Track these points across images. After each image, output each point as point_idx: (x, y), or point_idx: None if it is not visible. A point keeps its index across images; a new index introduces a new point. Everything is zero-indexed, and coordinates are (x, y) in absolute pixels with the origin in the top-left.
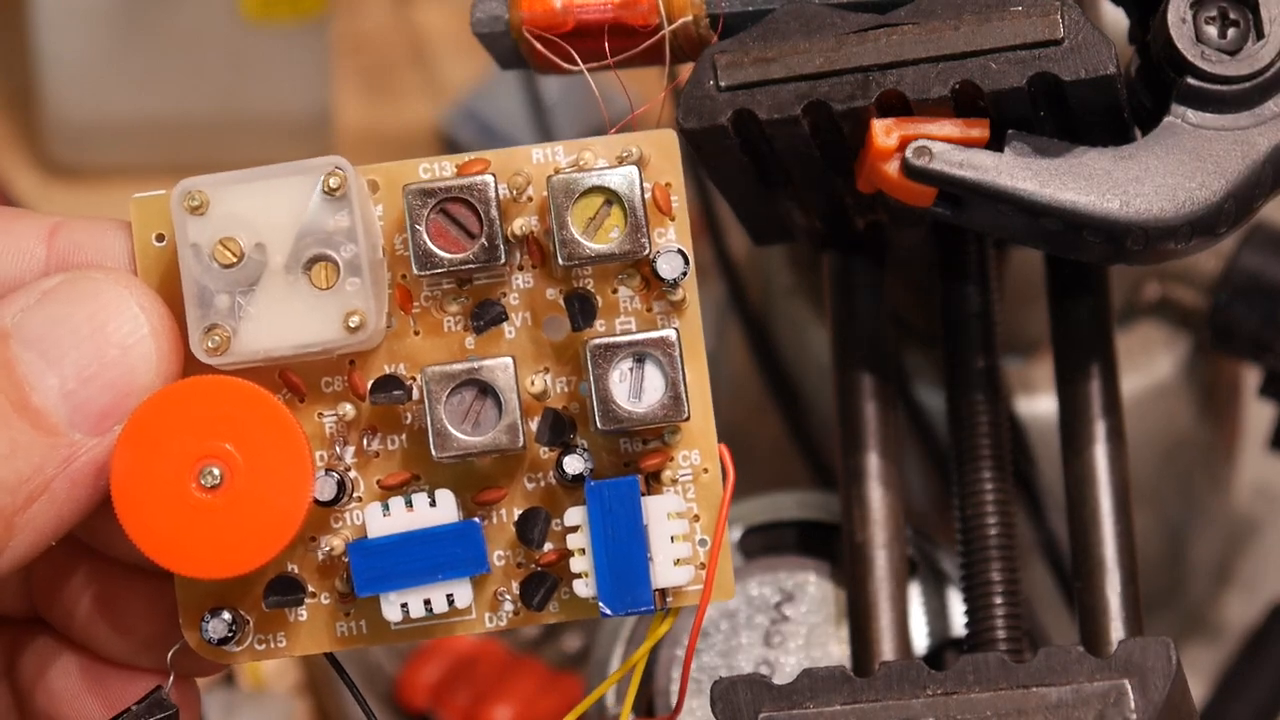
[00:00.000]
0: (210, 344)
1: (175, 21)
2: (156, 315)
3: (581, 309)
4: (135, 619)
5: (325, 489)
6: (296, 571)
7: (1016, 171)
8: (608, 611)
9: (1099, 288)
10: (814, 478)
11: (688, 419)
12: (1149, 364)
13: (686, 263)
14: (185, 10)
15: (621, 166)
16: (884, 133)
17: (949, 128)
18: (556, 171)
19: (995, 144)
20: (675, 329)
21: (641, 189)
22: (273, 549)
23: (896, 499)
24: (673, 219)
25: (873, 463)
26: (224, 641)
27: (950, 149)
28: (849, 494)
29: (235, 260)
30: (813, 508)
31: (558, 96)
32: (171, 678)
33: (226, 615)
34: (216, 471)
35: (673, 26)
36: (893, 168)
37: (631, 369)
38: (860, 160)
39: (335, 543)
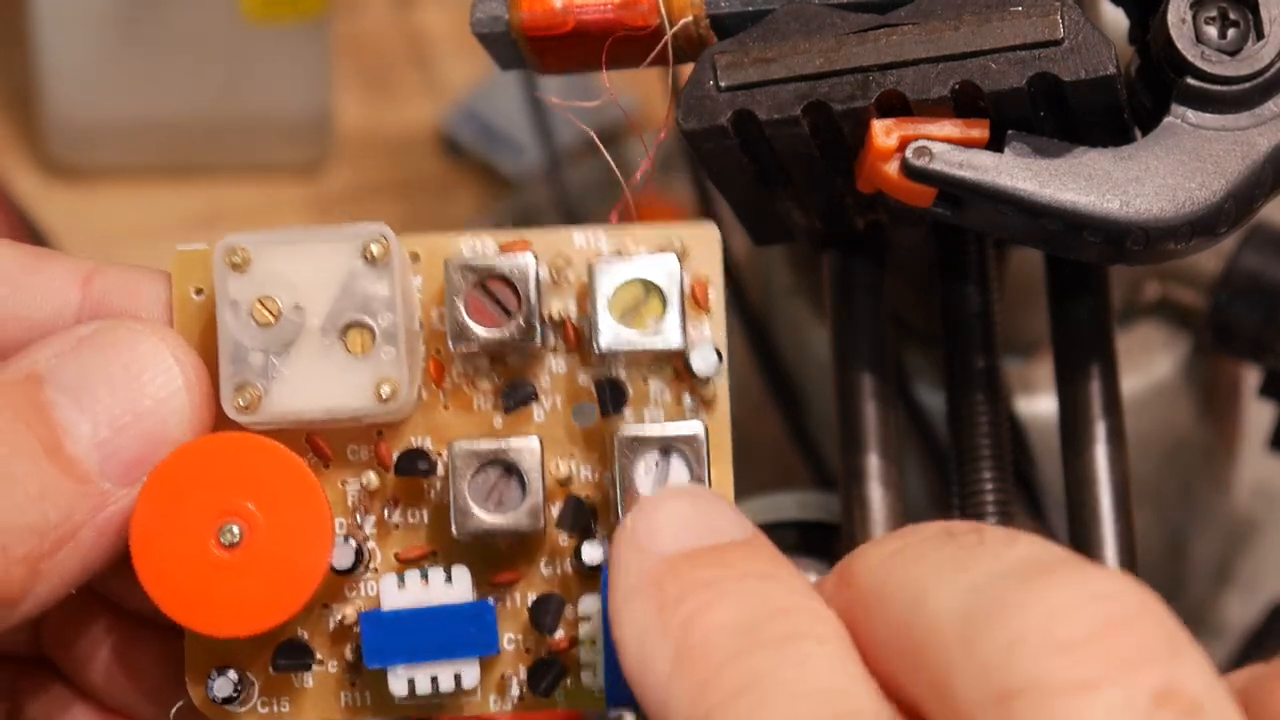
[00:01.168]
0: (241, 401)
1: (175, 21)
2: (191, 369)
3: (613, 395)
4: (145, 673)
5: (343, 557)
6: (307, 638)
7: (1016, 172)
8: (613, 712)
9: (1099, 288)
10: (814, 478)
11: None
12: (1149, 364)
13: (720, 360)
14: (185, 10)
15: (662, 255)
16: (884, 133)
17: (949, 128)
18: (597, 257)
19: (995, 144)
20: (704, 424)
21: (681, 281)
22: (287, 611)
23: (897, 499)
24: (709, 313)
25: (873, 463)
26: (228, 701)
27: (950, 149)
28: (849, 494)
29: (273, 320)
30: (813, 508)
31: (558, 97)
32: None
33: (233, 674)
34: (236, 530)
35: (674, 28)
36: (893, 168)
37: (658, 463)
38: (860, 160)
39: (348, 611)
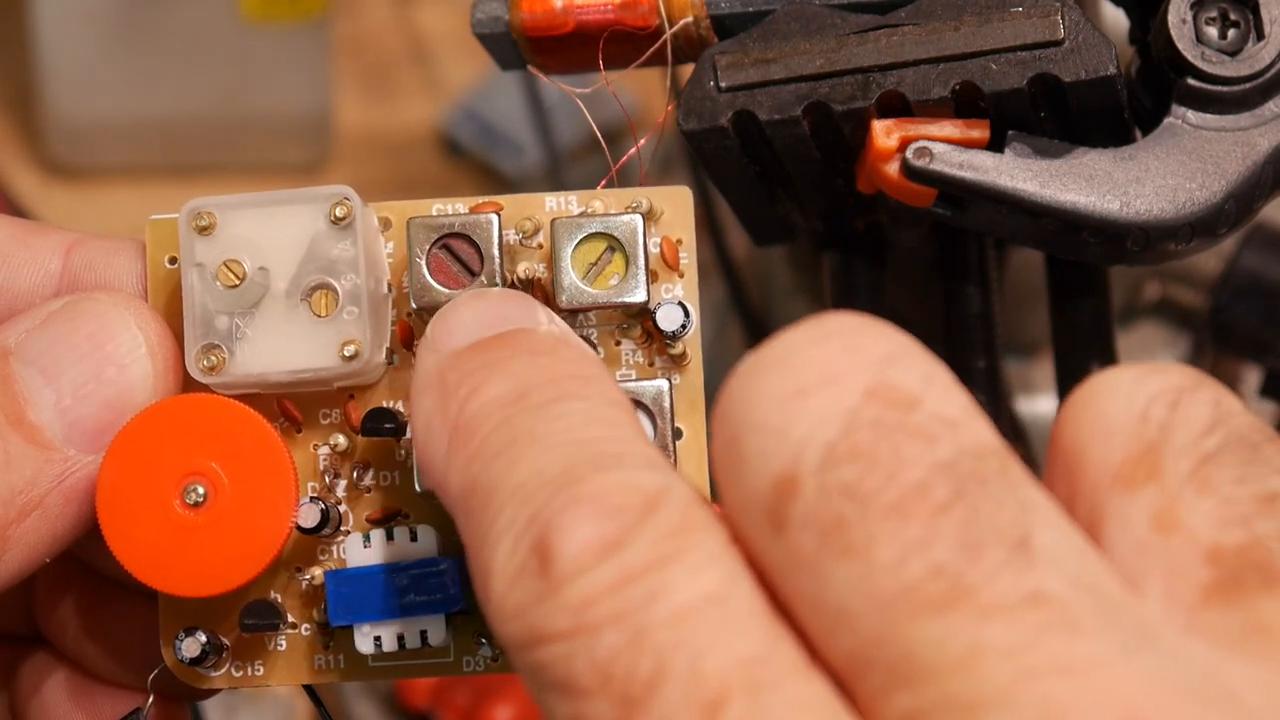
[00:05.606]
0: (206, 363)
1: (175, 21)
2: (154, 335)
3: None
4: (125, 639)
5: (309, 515)
6: (280, 600)
7: (1017, 172)
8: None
9: (1099, 288)
10: None
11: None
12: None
13: (687, 317)
14: (185, 10)
15: (625, 215)
16: (884, 133)
17: (949, 128)
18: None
19: (996, 145)
20: (669, 381)
21: (645, 238)
22: (251, 571)
23: None
24: (681, 275)
25: None
26: (196, 662)
27: (950, 150)
28: None
29: (238, 282)
30: None
31: (558, 97)
32: (150, 699)
33: (201, 636)
34: (201, 489)
35: (674, 29)
36: (893, 168)
37: None
38: (861, 161)
39: (317, 573)
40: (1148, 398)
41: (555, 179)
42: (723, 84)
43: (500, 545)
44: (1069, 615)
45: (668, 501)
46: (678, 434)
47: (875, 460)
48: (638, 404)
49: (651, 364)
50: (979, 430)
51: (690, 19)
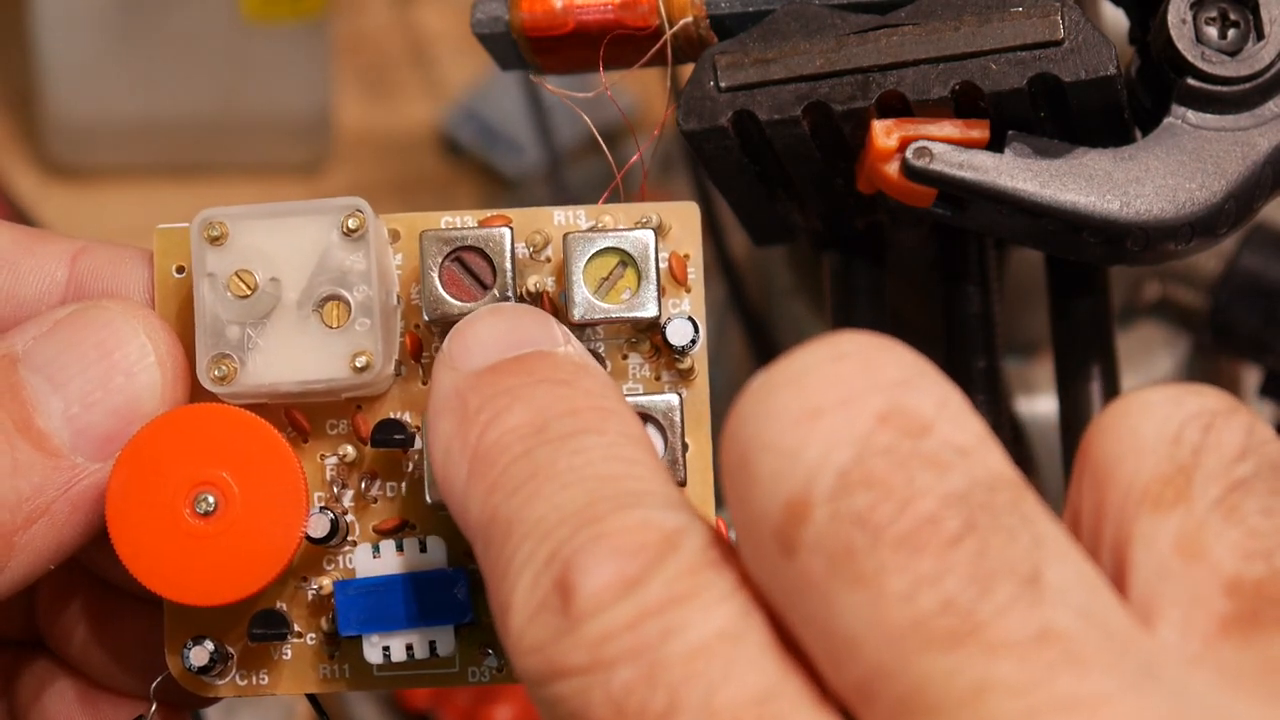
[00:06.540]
0: (217, 373)
1: (175, 22)
2: (163, 344)
3: None
4: (129, 647)
5: (318, 526)
6: (285, 609)
7: (1017, 172)
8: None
9: (1099, 288)
10: None
11: (684, 484)
12: (1149, 364)
13: (696, 332)
14: (185, 10)
15: (637, 230)
16: (884, 133)
17: (949, 128)
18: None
19: (996, 145)
20: (680, 395)
21: (656, 254)
22: (261, 580)
23: None
24: (688, 290)
25: None
26: (204, 670)
27: (950, 150)
28: None
29: (249, 292)
30: None
31: (557, 97)
32: (154, 707)
33: (209, 644)
34: (211, 499)
35: (674, 29)
36: (893, 168)
37: None
38: (860, 161)
39: (325, 583)
40: (1182, 419)
41: (555, 179)
42: (723, 84)
43: (521, 580)
44: (1078, 652)
45: (685, 541)
46: (684, 448)
47: (888, 489)
48: (648, 419)
49: (658, 378)
50: (992, 459)
51: (690, 19)
